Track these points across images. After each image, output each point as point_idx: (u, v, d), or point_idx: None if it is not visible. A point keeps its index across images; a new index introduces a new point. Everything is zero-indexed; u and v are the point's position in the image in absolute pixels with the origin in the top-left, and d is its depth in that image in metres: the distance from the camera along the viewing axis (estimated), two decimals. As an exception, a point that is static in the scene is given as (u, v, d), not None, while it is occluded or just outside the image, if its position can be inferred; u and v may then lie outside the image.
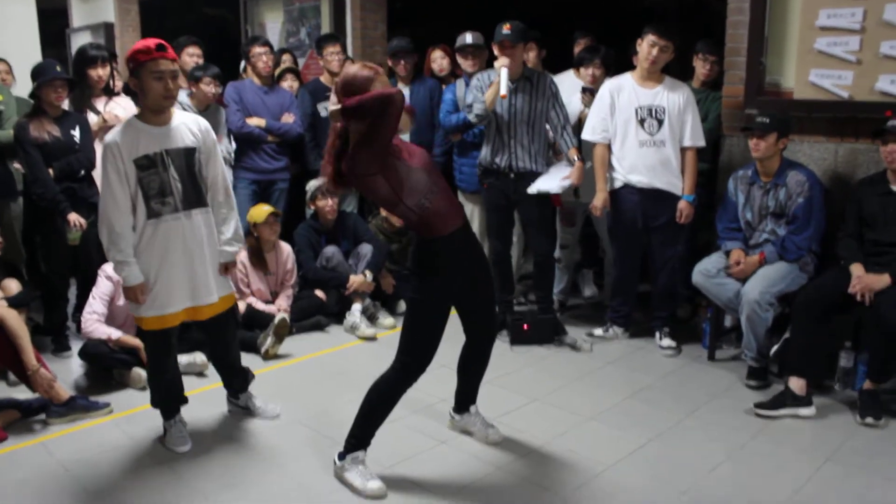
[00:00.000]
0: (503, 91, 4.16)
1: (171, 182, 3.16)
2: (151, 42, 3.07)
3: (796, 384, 3.64)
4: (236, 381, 3.65)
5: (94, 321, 3.98)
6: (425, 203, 2.88)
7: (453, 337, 3.08)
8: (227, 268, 3.43)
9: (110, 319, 4.04)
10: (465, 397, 3.43)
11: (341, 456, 3.07)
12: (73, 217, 4.28)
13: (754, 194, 4.06)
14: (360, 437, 3.07)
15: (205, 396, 3.78)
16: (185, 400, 3.50)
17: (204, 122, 3.33)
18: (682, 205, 4.35)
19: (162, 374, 3.38)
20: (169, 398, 3.43)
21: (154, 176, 3.12)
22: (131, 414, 3.70)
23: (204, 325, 3.43)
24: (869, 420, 3.50)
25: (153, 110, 3.14)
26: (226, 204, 3.39)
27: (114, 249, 3.12)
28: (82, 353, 4.06)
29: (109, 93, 4.79)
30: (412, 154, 2.93)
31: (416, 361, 3.02)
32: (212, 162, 3.31)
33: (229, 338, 3.58)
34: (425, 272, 2.98)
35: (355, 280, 4.89)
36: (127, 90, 4.87)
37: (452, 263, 2.98)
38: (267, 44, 5.41)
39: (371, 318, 4.97)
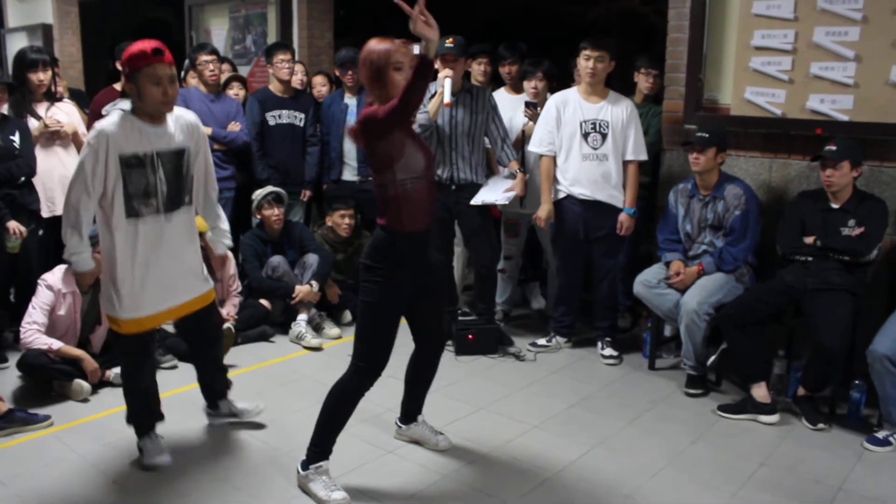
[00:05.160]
0: (447, 100, 4.19)
1: (157, 184, 3.05)
2: (147, 45, 2.93)
3: (758, 392, 3.77)
4: (218, 381, 3.54)
5: (35, 331, 3.88)
6: (408, 185, 2.91)
7: (400, 347, 3.10)
8: (223, 260, 3.49)
9: (51, 330, 3.94)
10: (412, 407, 3.46)
11: (304, 465, 3.04)
12: (13, 225, 4.19)
13: (693, 207, 4.18)
14: (321, 445, 3.04)
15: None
16: (160, 416, 3.37)
17: (192, 116, 3.21)
18: (622, 217, 4.45)
19: (137, 382, 3.25)
20: (144, 411, 3.31)
21: (141, 177, 3.00)
22: (72, 426, 3.62)
23: (186, 324, 3.33)
24: (822, 426, 3.64)
25: (150, 115, 3.02)
26: (213, 198, 3.38)
27: (76, 235, 3.00)
28: (21, 365, 3.95)
29: (51, 98, 4.70)
30: (421, 142, 3.05)
31: (371, 365, 3.01)
32: (201, 157, 3.24)
33: (212, 333, 3.48)
34: (380, 268, 2.95)
35: (301, 290, 4.89)
36: (72, 96, 4.75)
37: (407, 261, 2.98)
38: (214, 52, 5.37)
39: (316, 327, 4.97)
